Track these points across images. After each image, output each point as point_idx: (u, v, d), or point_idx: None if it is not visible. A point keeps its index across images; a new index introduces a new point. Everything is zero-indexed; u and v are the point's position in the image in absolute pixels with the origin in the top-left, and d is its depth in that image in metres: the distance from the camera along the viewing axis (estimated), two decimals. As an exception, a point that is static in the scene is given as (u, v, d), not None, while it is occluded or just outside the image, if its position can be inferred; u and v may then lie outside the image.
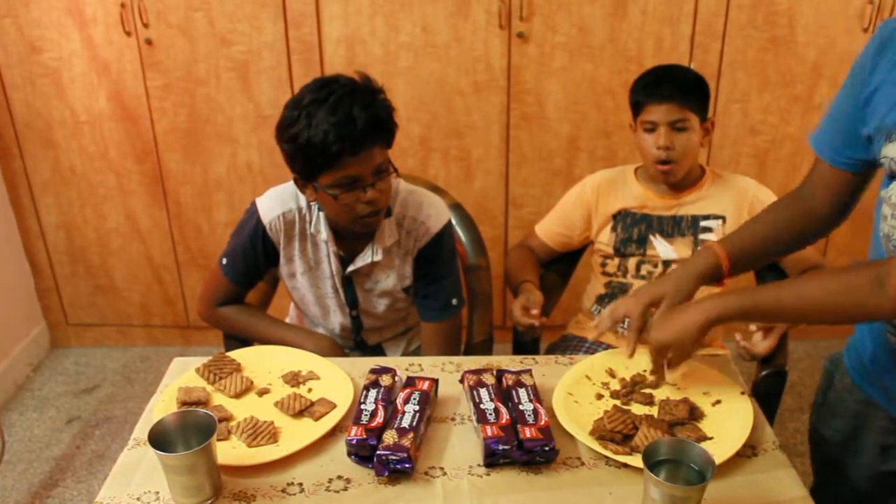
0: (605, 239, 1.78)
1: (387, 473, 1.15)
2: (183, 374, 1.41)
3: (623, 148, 2.58)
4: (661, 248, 1.73)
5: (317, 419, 1.27)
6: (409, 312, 1.74)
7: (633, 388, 1.35)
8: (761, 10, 2.41)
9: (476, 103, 2.54)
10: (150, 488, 1.15)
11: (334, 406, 1.30)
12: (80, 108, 2.57)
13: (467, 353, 1.74)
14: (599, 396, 1.35)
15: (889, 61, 1.03)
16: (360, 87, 1.38)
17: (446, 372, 1.43)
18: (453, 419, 1.30)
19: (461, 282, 1.69)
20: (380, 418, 1.22)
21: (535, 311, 1.57)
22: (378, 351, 1.76)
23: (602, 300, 1.81)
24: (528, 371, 1.35)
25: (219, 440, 1.18)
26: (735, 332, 1.54)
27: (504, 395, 1.29)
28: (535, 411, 1.23)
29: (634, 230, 1.75)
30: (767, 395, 1.53)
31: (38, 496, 2.25)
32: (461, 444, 1.24)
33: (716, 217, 1.71)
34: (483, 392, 1.29)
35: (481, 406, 1.25)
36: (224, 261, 1.61)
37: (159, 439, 1.09)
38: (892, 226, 1.03)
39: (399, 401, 1.26)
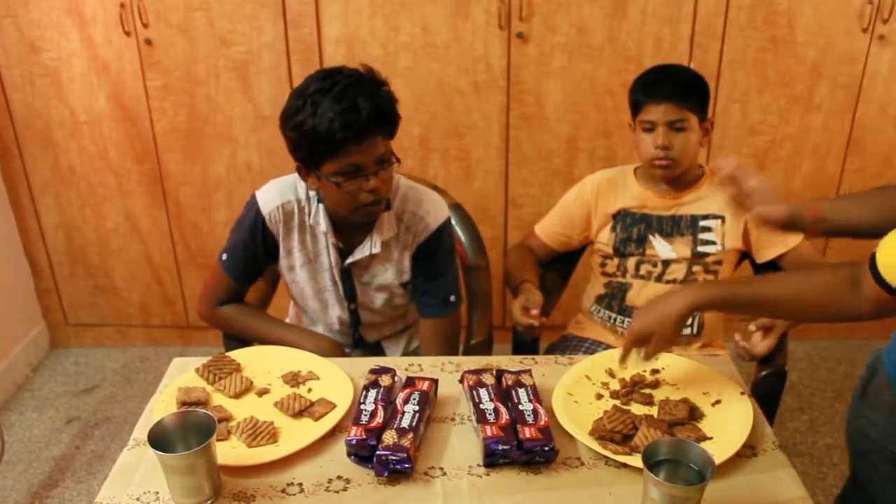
0: (605, 239, 1.78)
1: (386, 474, 1.15)
2: (183, 375, 1.41)
3: (623, 148, 2.58)
4: (661, 247, 1.73)
5: (316, 419, 1.28)
6: (408, 310, 1.74)
7: (632, 388, 1.36)
8: (761, 11, 2.41)
9: (476, 103, 2.54)
10: (150, 488, 1.15)
11: (334, 406, 1.30)
12: (79, 109, 2.57)
13: (467, 353, 1.74)
14: (599, 396, 1.35)
15: None
16: (365, 78, 1.41)
17: (446, 372, 1.44)
18: (453, 419, 1.30)
19: (460, 279, 1.70)
20: (379, 418, 1.22)
21: (534, 312, 1.57)
22: (378, 350, 1.77)
23: (602, 300, 1.81)
24: (528, 371, 1.35)
25: (218, 440, 1.18)
26: (735, 332, 1.55)
27: (504, 395, 1.29)
28: (535, 411, 1.23)
29: (634, 230, 1.75)
30: (767, 395, 1.53)
31: (37, 496, 2.25)
32: (461, 444, 1.24)
33: (715, 217, 1.71)
34: (483, 392, 1.29)
35: (481, 406, 1.25)
36: (224, 256, 1.61)
37: (159, 439, 1.09)
38: None
39: (399, 401, 1.26)
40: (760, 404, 1.33)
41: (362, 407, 1.25)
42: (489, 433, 1.18)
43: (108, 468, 1.23)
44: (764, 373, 1.58)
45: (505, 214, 2.72)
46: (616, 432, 1.20)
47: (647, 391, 1.35)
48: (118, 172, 2.68)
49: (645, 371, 1.41)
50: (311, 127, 1.36)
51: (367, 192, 1.44)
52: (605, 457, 1.18)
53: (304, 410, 1.29)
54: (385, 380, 1.32)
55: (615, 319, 1.78)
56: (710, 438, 1.22)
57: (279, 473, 1.17)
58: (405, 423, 1.20)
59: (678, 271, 1.73)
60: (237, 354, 1.46)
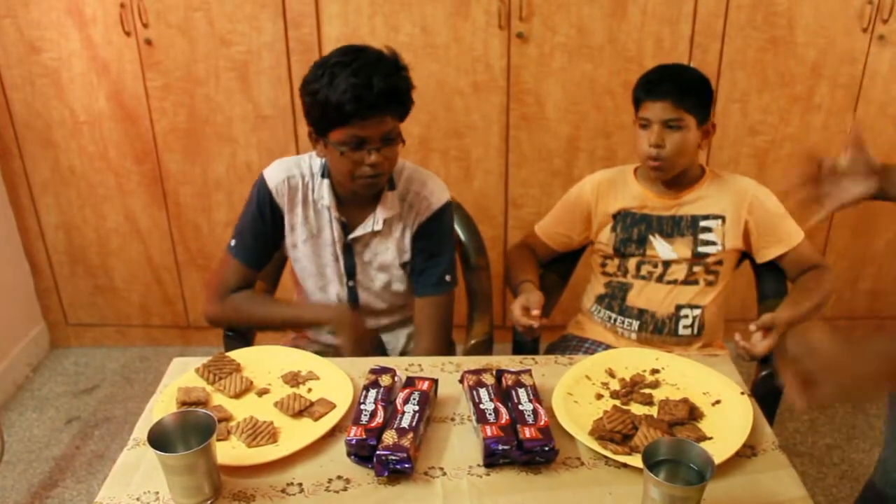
0: (605, 239, 1.78)
1: (386, 473, 1.15)
2: (182, 375, 1.41)
3: (623, 148, 2.58)
4: (661, 248, 1.73)
5: (316, 419, 1.28)
6: (407, 303, 1.75)
7: (632, 388, 1.36)
8: (761, 11, 2.41)
9: (475, 103, 2.54)
10: (150, 488, 1.15)
11: (334, 406, 1.30)
12: (79, 109, 2.57)
13: (467, 353, 1.74)
14: (599, 396, 1.35)
15: None
16: (386, 59, 1.46)
17: (446, 372, 1.44)
18: (453, 419, 1.30)
19: (456, 263, 1.74)
20: (379, 418, 1.22)
21: (535, 312, 1.57)
22: (378, 348, 1.77)
23: (602, 300, 1.81)
24: (528, 371, 1.35)
25: (218, 440, 1.18)
26: (735, 332, 1.54)
27: (504, 395, 1.29)
28: (535, 411, 1.23)
29: (634, 230, 1.75)
30: (767, 395, 1.53)
31: (37, 496, 2.25)
32: (461, 444, 1.24)
33: (715, 217, 1.71)
34: (483, 392, 1.29)
35: (481, 406, 1.25)
36: (233, 242, 1.65)
37: (159, 439, 1.09)
38: None
39: (399, 401, 1.26)
40: (760, 404, 1.33)
41: (362, 407, 1.25)
42: (489, 433, 1.18)
43: (108, 468, 1.23)
44: (764, 373, 1.58)
45: (505, 214, 2.72)
46: (616, 432, 1.20)
47: (646, 391, 1.35)
48: (118, 172, 2.68)
49: (645, 371, 1.41)
50: (324, 96, 1.42)
51: (368, 166, 1.49)
52: (605, 457, 1.18)
53: (303, 410, 1.29)
54: (385, 380, 1.32)
55: (615, 320, 1.78)
56: (710, 438, 1.22)
57: (279, 473, 1.17)
58: (405, 423, 1.20)
59: (679, 272, 1.73)
60: (237, 354, 1.46)
